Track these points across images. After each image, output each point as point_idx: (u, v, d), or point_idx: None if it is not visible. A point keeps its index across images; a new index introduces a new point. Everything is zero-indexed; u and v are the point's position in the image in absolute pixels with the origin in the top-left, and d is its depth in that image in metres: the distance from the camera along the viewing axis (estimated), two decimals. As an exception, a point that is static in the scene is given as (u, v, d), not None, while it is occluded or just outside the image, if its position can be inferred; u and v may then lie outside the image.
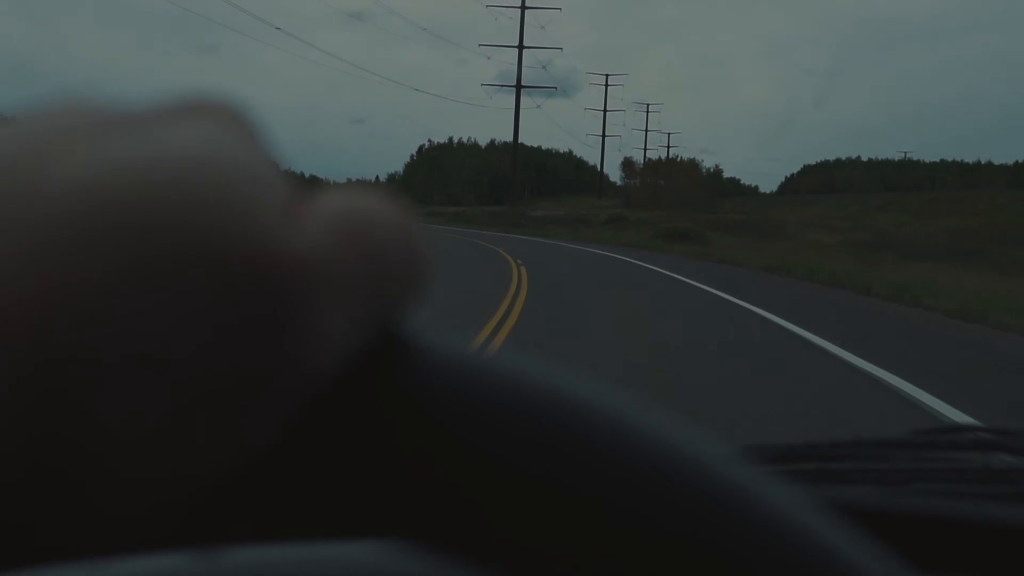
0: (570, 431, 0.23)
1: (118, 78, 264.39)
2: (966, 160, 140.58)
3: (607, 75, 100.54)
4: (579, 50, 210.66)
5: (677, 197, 79.82)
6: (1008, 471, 1.02)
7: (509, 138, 68.79)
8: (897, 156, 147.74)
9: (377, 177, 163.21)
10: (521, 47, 68.49)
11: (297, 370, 0.19)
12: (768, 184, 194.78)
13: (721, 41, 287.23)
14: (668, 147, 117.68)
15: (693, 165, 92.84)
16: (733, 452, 0.25)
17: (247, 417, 0.19)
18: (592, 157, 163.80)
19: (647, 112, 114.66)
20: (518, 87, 67.68)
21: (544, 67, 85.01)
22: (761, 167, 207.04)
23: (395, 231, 0.22)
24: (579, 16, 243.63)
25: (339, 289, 0.20)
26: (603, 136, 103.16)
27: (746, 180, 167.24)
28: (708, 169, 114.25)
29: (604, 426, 0.23)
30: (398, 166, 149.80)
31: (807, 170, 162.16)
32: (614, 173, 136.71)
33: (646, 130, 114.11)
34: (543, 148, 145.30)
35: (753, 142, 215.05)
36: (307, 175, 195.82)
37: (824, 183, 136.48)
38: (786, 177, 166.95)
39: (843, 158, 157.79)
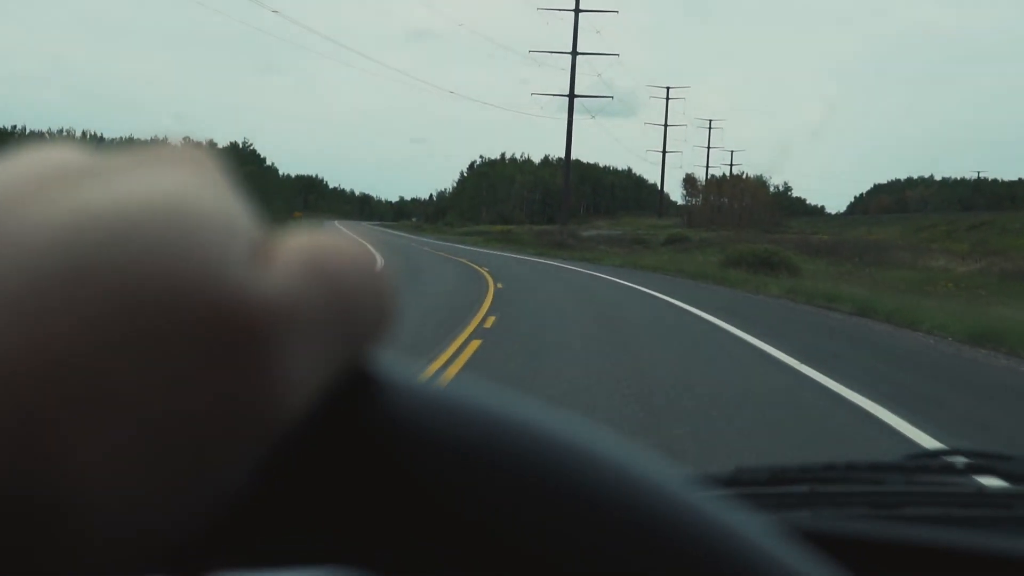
0: (527, 473, 0.23)
1: (182, 97, 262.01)
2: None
3: (668, 88, 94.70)
4: (638, 65, 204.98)
5: (742, 217, 74.15)
6: (1002, 496, 1.04)
7: (563, 154, 62.68)
8: (971, 175, 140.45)
9: (431, 195, 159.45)
10: (575, 53, 62.70)
11: (267, 410, 0.20)
12: (835, 204, 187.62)
13: (786, 58, 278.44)
14: (731, 165, 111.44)
15: (760, 183, 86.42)
16: (687, 483, 0.25)
17: (221, 456, 0.20)
18: (652, 175, 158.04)
19: (709, 128, 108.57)
20: (571, 96, 61.82)
21: (599, 75, 79.29)
22: (828, 186, 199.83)
23: (360, 272, 0.23)
24: (638, 32, 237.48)
25: (306, 330, 0.21)
26: (663, 152, 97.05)
27: (812, 200, 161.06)
28: (776, 187, 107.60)
29: (566, 468, 0.24)
30: (452, 184, 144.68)
31: (878, 189, 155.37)
32: (675, 192, 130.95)
33: (708, 147, 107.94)
34: (600, 165, 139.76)
35: (819, 161, 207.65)
36: (358, 193, 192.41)
37: (896, 203, 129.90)
38: (855, 196, 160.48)
39: (915, 177, 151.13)
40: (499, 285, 18.49)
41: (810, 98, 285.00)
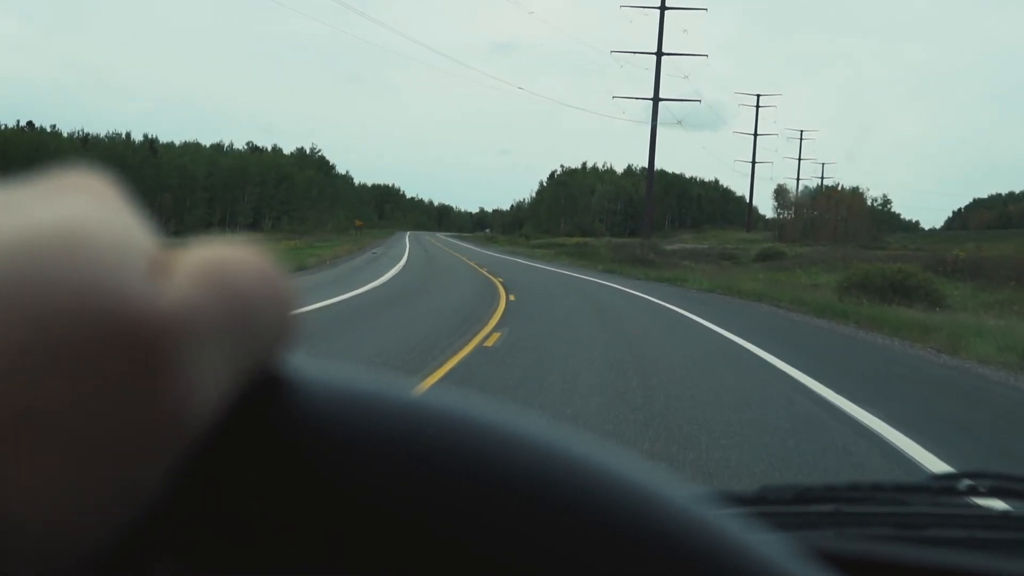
0: (455, 467, 0.23)
1: (265, 108, 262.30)
2: None
3: (758, 95, 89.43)
4: (725, 73, 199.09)
5: (837, 231, 69.21)
6: None
7: (647, 164, 57.79)
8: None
9: (512, 206, 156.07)
10: (660, 53, 58.06)
11: (175, 417, 0.21)
12: (931, 219, 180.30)
13: (879, 69, 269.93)
14: (822, 177, 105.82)
15: (857, 195, 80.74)
16: (690, 499, 0.24)
17: (134, 466, 0.20)
18: (739, 187, 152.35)
19: (800, 139, 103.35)
20: (655, 99, 57.17)
21: (686, 77, 74.42)
22: (922, 201, 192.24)
23: (260, 280, 0.23)
24: (726, 39, 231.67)
25: (208, 337, 0.21)
26: (753, 162, 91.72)
27: (906, 215, 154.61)
28: (874, 200, 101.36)
29: (502, 461, 0.23)
30: (531, 194, 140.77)
31: (977, 204, 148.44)
32: (763, 205, 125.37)
33: (799, 158, 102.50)
34: (686, 176, 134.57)
35: (913, 175, 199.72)
36: (437, 203, 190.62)
37: (998, 218, 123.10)
38: (954, 211, 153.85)
39: (1016, 191, 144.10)
40: (493, 339, 10.81)
41: (904, 110, 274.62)
